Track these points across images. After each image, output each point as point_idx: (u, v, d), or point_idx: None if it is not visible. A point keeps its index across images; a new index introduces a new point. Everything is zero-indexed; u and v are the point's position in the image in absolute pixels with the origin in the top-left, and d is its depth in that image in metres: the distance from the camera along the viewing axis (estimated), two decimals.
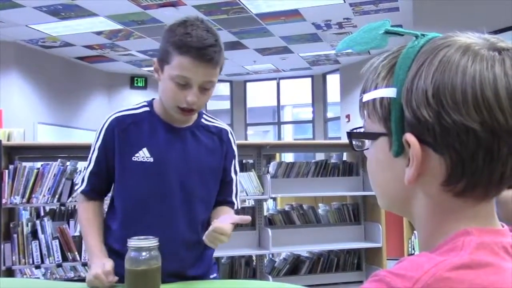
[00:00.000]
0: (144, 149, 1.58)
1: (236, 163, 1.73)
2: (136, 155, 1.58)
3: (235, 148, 1.73)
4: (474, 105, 0.57)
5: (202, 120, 1.68)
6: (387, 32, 0.69)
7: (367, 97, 0.67)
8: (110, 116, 1.63)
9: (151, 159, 1.58)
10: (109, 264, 1.50)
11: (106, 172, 1.62)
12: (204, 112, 1.71)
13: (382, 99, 0.64)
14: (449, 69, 0.59)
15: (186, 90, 1.51)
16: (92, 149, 1.64)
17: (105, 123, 1.62)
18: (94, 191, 1.65)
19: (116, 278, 1.46)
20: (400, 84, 0.62)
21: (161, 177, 1.58)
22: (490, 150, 0.58)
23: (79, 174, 3.50)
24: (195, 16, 1.55)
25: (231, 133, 1.73)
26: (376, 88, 0.66)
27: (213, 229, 1.47)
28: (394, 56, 0.66)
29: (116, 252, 1.59)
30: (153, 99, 1.68)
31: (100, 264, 1.50)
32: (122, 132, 1.59)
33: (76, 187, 1.73)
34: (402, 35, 0.69)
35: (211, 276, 1.72)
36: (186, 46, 1.47)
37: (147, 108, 1.64)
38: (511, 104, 0.57)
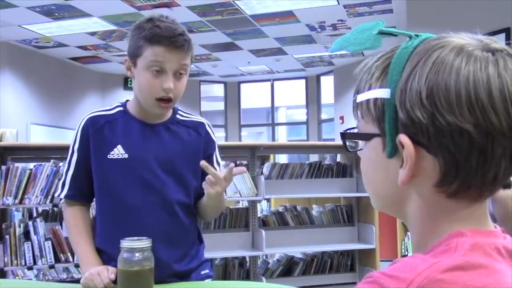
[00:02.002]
0: (119, 146, 1.60)
1: (217, 153, 1.74)
2: (111, 153, 1.59)
3: (215, 139, 1.74)
4: (468, 106, 0.57)
5: (177, 116, 1.70)
6: (381, 33, 0.69)
7: (361, 97, 0.67)
8: (84, 117, 1.65)
9: (126, 155, 1.59)
10: (102, 267, 1.51)
11: (87, 174, 1.62)
12: (179, 108, 1.72)
13: (376, 99, 0.64)
14: (443, 70, 0.59)
15: (161, 77, 1.54)
16: (70, 151, 1.64)
17: (80, 124, 1.64)
18: (78, 195, 1.64)
19: (113, 276, 1.46)
20: (394, 85, 0.62)
21: (137, 172, 1.59)
22: (484, 151, 0.58)
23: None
24: (159, 13, 1.61)
25: (208, 125, 1.74)
26: (370, 88, 0.66)
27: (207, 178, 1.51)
28: (388, 56, 0.66)
29: (98, 250, 1.61)
30: (127, 100, 1.70)
31: (94, 268, 1.50)
32: (97, 132, 1.61)
33: (56, 193, 1.72)
34: (396, 35, 0.69)
35: (203, 272, 1.71)
36: (157, 36, 1.52)
37: (121, 108, 1.66)
38: (504, 105, 0.57)
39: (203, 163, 1.52)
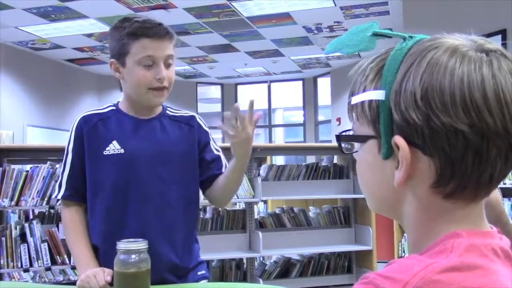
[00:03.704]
0: (114, 142, 1.61)
1: (213, 142, 1.76)
2: (107, 149, 1.61)
3: (207, 129, 1.76)
4: (463, 107, 0.57)
5: (167, 112, 1.72)
6: (375, 34, 0.69)
7: (355, 99, 0.67)
8: (78, 117, 1.66)
9: (122, 150, 1.61)
10: (98, 269, 1.51)
11: (83, 173, 1.63)
12: (167, 105, 1.75)
13: (370, 101, 0.64)
14: (437, 71, 0.59)
15: (153, 69, 1.57)
16: (65, 152, 1.65)
17: (73, 124, 1.65)
18: (75, 195, 1.65)
19: (109, 278, 1.46)
20: (388, 87, 0.62)
21: (134, 166, 1.60)
22: (479, 152, 0.58)
23: None
24: (132, 14, 1.67)
25: (199, 118, 1.77)
26: (364, 90, 0.66)
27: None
28: (382, 58, 0.66)
29: (97, 248, 1.61)
30: (118, 101, 1.72)
31: (90, 270, 1.50)
32: (91, 130, 1.63)
33: (53, 195, 1.73)
34: (390, 37, 0.69)
35: (199, 273, 1.71)
36: (141, 29, 1.56)
37: (113, 108, 1.69)
38: (499, 106, 0.57)
39: (219, 124, 1.55)
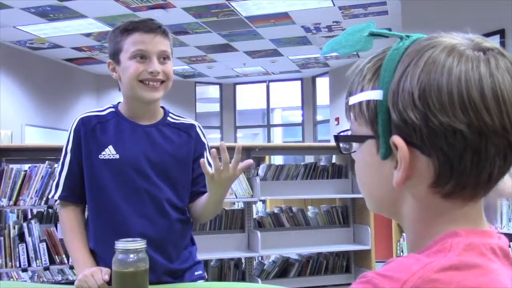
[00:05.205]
0: (110, 147, 1.60)
1: (208, 155, 1.72)
2: (102, 153, 1.60)
3: (205, 140, 1.74)
4: (461, 106, 0.57)
5: (168, 118, 1.70)
6: (372, 34, 0.69)
7: (353, 100, 0.67)
8: (77, 118, 1.65)
9: (117, 156, 1.59)
10: (96, 268, 1.51)
11: (80, 174, 1.62)
12: (170, 111, 1.73)
13: (368, 101, 0.64)
14: (435, 70, 0.59)
15: (146, 63, 1.56)
16: (63, 152, 1.65)
17: (72, 125, 1.64)
18: (72, 195, 1.64)
19: (107, 278, 1.46)
20: (386, 86, 0.62)
21: (128, 173, 1.59)
22: (478, 151, 0.58)
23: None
24: None
25: (199, 127, 1.75)
26: (362, 90, 0.65)
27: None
28: (379, 58, 0.65)
29: (93, 251, 1.61)
30: (119, 102, 1.70)
31: (87, 270, 1.50)
32: (89, 132, 1.62)
33: (50, 194, 1.72)
34: (387, 36, 0.68)
35: (196, 273, 1.71)
36: (132, 24, 1.57)
37: (112, 110, 1.67)
38: (497, 104, 0.57)
39: (202, 161, 1.51)
